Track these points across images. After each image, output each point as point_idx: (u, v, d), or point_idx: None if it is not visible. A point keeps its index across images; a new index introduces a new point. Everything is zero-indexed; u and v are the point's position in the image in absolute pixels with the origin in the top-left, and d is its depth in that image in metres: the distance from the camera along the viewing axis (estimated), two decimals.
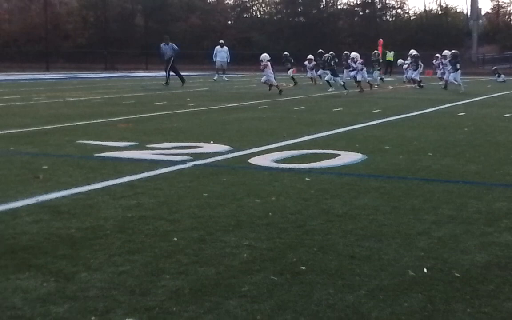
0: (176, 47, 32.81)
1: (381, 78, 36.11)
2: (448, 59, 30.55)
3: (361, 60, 29.81)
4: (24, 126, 13.43)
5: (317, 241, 5.37)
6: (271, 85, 26.56)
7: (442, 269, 4.70)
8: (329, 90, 27.49)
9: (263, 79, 27.12)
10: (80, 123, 14.33)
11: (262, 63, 27.06)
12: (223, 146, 10.72)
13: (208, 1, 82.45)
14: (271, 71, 26.81)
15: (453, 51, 30.53)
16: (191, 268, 4.66)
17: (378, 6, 79.77)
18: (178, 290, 4.25)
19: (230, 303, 4.05)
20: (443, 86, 30.11)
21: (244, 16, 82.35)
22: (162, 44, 33.05)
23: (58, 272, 4.55)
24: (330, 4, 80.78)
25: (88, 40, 71.70)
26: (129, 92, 26.74)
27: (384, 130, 13.36)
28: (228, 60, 38.95)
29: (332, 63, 28.17)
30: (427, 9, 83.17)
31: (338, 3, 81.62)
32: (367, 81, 29.87)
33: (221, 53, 38.27)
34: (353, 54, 30.95)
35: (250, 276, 4.52)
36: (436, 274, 4.60)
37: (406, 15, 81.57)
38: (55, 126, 13.71)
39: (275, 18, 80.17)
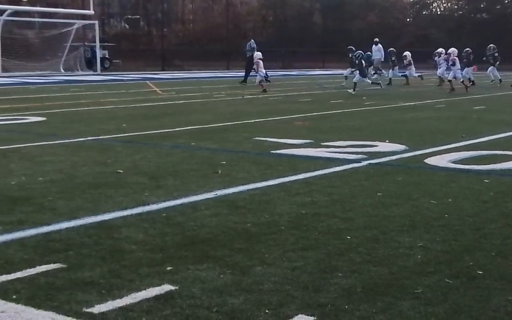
0: None
1: None
2: None
3: None
4: (205, 123, 13.96)
5: (496, 245, 5.18)
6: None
7: None
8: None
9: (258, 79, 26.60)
10: (258, 120, 14.68)
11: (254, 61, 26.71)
12: (398, 145, 10.57)
13: None
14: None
15: None
16: (363, 267, 4.65)
17: None
18: (351, 288, 4.26)
19: (403, 304, 4.00)
20: None
21: (424, 13, 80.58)
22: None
23: (235, 265, 4.70)
24: None
25: (267, 39, 73.15)
26: (306, 90, 27.03)
27: None
28: (382, 59, 38.06)
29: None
30: None
31: None
32: None
33: (376, 52, 37.52)
34: None
35: (424, 278, 4.44)
36: None
37: None
38: (234, 123, 14.13)
39: (455, 14, 77.78)
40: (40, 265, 4.63)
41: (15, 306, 3.92)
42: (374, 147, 10.33)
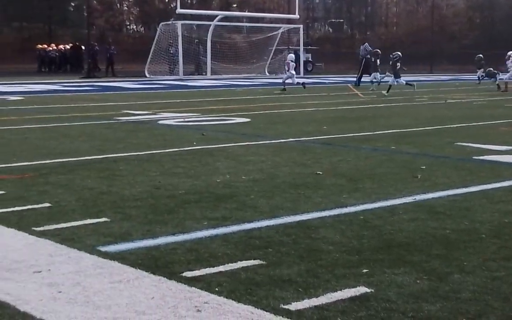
0: None
1: None
2: None
3: None
4: (406, 127, 13.79)
5: None
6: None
7: None
8: None
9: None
10: (461, 125, 14.27)
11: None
12: None
13: None
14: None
15: None
16: None
17: None
18: None
19: None
20: None
21: None
22: None
23: (431, 271, 4.63)
24: None
25: (473, 41, 70.77)
26: None
27: None
28: None
29: None
30: None
31: None
32: None
33: None
34: None
35: None
36: None
37: None
38: (435, 127, 13.84)
39: None
40: (241, 260, 4.84)
41: (217, 298, 4.13)
42: None
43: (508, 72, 28.17)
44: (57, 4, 68.29)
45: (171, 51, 41.05)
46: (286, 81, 27.40)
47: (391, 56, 27.09)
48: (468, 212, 6.32)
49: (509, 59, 28.30)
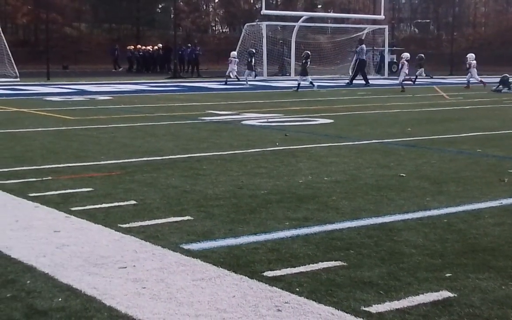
0: None
1: None
2: None
3: None
4: (492, 129, 13.47)
5: None
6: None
7: None
8: None
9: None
10: None
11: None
12: None
13: None
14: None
15: None
16: None
17: None
18: None
19: None
20: None
21: None
22: None
23: None
24: None
25: None
26: None
27: None
28: None
29: None
30: None
31: None
32: None
33: None
34: None
35: None
36: None
37: None
38: None
39: None
40: (322, 261, 4.84)
41: (298, 298, 4.15)
42: None
43: None
44: (145, 6, 69.76)
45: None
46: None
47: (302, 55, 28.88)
48: None
49: None
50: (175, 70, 42.70)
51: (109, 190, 7.24)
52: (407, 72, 28.03)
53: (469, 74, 29.67)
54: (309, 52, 29.07)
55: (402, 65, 28.26)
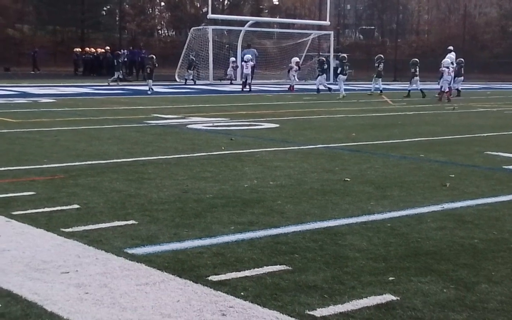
0: None
1: None
2: None
3: None
4: (435, 135, 13.70)
5: None
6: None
7: None
8: None
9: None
10: (491, 134, 14.14)
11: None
12: None
13: None
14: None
15: None
16: None
17: None
18: None
19: None
20: None
21: None
22: None
23: (458, 280, 4.60)
24: None
25: (506, 50, 70.08)
26: None
27: None
28: None
29: None
30: None
31: None
32: None
33: None
34: None
35: None
36: None
37: None
38: (464, 136, 13.75)
39: None
40: (267, 265, 4.85)
41: (243, 302, 4.14)
42: None
43: None
44: (90, 8, 68.93)
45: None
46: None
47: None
48: (497, 222, 6.26)
49: None
50: (123, 73, 42.25)
51: (52, 194, 7.12)
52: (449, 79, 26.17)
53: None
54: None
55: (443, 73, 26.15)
